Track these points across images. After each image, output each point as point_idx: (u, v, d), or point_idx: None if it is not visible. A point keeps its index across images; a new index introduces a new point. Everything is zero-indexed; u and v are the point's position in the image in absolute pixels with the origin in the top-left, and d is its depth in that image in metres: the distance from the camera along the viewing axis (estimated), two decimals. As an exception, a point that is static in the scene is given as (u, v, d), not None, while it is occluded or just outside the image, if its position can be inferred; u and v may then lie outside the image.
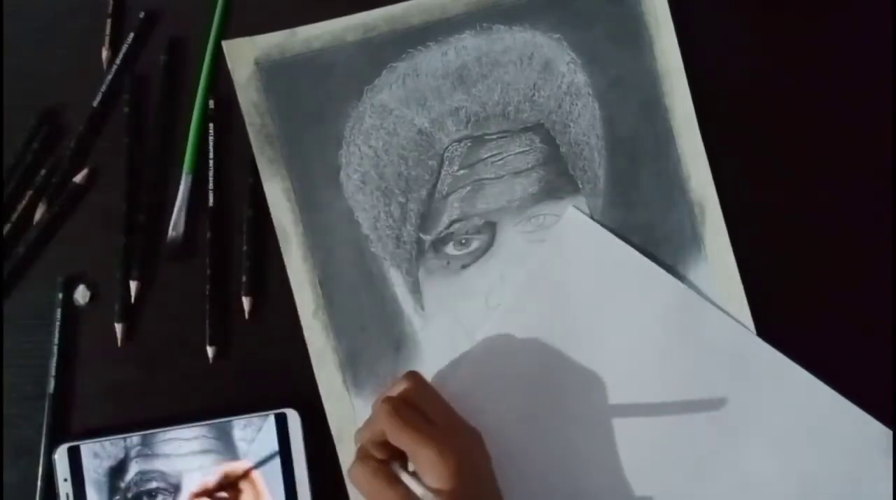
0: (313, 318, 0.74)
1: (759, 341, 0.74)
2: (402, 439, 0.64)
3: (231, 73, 0.75)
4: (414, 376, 0.69)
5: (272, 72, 0.75)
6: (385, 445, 0.66)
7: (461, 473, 0.63)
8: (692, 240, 0.75)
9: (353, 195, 0.75)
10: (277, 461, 0.72)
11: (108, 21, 0.75)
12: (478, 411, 0.70)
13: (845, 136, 0.76)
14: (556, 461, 0.72)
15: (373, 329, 0.74)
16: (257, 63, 0.75)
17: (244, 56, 0.75)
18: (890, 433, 0.73)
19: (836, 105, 0.77)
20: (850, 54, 0.77)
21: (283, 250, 0.74)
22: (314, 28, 0.75)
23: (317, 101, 0.75)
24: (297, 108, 0.75)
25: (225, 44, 0.75)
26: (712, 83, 0.76)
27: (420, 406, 0.66)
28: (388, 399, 0.66)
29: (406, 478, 0.64)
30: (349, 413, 0.73)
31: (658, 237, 0.75)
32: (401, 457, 0.66)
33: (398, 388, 0.68)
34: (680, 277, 0.74)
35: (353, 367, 0.74)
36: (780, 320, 0.74)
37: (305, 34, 0.75)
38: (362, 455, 0.66)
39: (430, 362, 0.74)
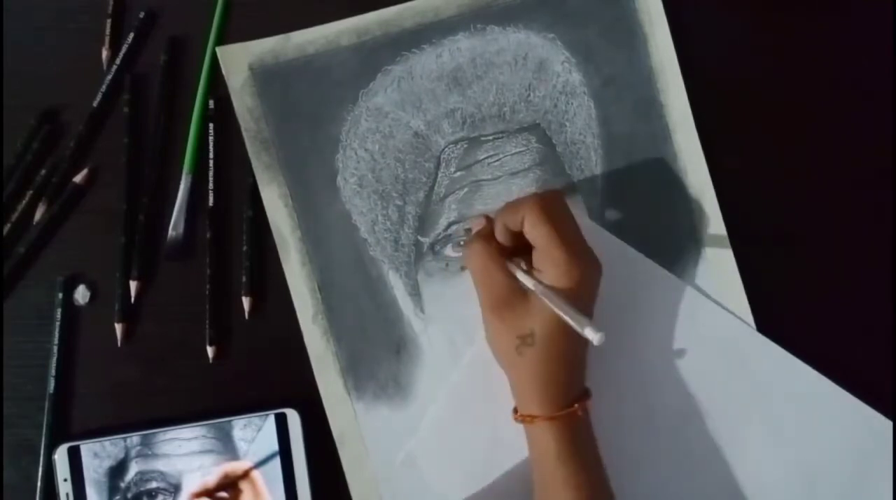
0: (313, 323, 0.74)
1: (759, 335, 0.74)
2: (541, 232, 0.65)
3: (225, 78, 0.75)
4: (558, 192, 0.70)
5: (266, 77, 0.75)
6: (510, 236, 0.68)
7: (580, 286, 0.65)
8: (690, 236, 0.75)
9: (351, 199, 0.75)
10: (277, 461, 0.72)
11: (108, 21, 0.76)
12: (478, 411, 0.70)
13: (843, 131, 0.77)
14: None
15: (373, 333, 0.74)
16: (251, 69, 0.75)
17: (238, 62, 0.76)
18: (890, 423, 0.73)
19: (833, 100, 0.77)
20: (848, 50, 0.78)
21: (281, 255, 0.74)
22: (308, 33, 0.76)
23: (312, 105, 0.75)
24: (293, 112, 0.75)
25: (219, 50, 0.75)
26: (708, 80, 0.76)
27: (558, 216, 0.67)
28: (540, 194, 0.67)
29: (521, 274, 0.66)
30: (351, 417, 0.73)
31: (656, 235, 0.75)
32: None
33: (544, 192, 0.69)
34: (679, 273, 0.75)
35: (354, 371, 0.74)
36: (779, 314, 0.74)
37: (299, 39, 0.76)
38: (486, 234, 0.69)
39: (432, 365, 0.74)
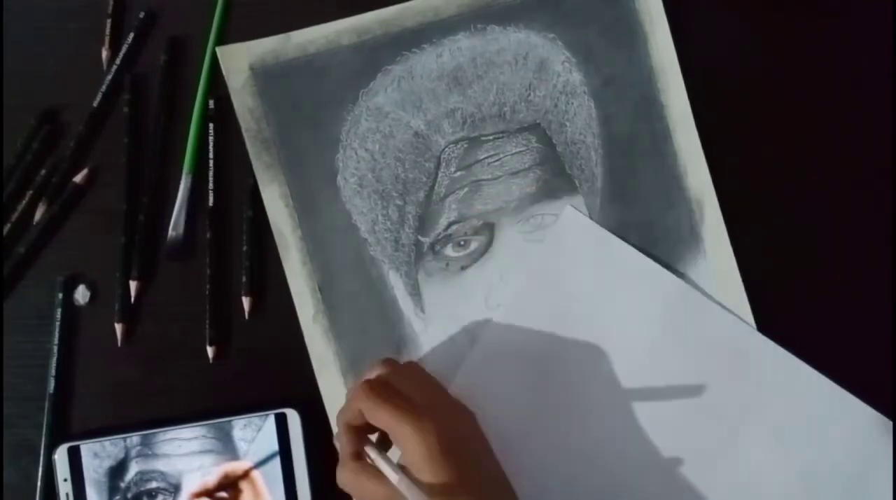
0: (313, 323, 0.74)
1: (759, 335, 0.74)
2: (380, 416, 0.62)
3: (226, 78, 0.75)
4: (389, 361, 0.68)
5: (267, 77, 0.75)
6: (364, 431, 0.65)
7: (446, 450, 0.61)
8: (691, 236, 0.75)
9: (351, 199, 0.75)
10: (277, 461, 0.72)
11: (108, 21, 0.76)
12: (479, 411, 0.70)
13: (844, 131, 0.77)
14: (558, 458, 0.72)
15: (373, 333, 0.74)
16: (252, 69, 0.75)
17: (238, 62, 0.75)
18: (890, 423, 0.73)
19: (834, 100, 0.77)
20: (848, 50, 0.78)
21: (281, 255, 0.74)
22: (308, 32, 0.76)
23: (312, 105, 0.75)
24: (293, 112, 0.75)
25: (219, 50, 0.75)
26: (708, 79, 0.76)
27: (399, 388, 0.64)
28: (366, 381, 0.65)
29: (377, 458, 0.63)
30: (351, 417, 0.73)
31: (656, 235, 0.75)
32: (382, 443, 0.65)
33: (374, 372, 0.67)
34: (679, 273, 0.75)
35: (355, 371, 0.74)
36: (779, 314, 0.74)
37: (299, 39, 0.76)
38: (345, 454, 0.65)
39: (432, 364, 0.73)
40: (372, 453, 0.64)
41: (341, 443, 0.65)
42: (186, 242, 0.75)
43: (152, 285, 0.74)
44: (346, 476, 0.64)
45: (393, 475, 0.61)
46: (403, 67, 0.76)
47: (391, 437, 0.63)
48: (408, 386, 0.65)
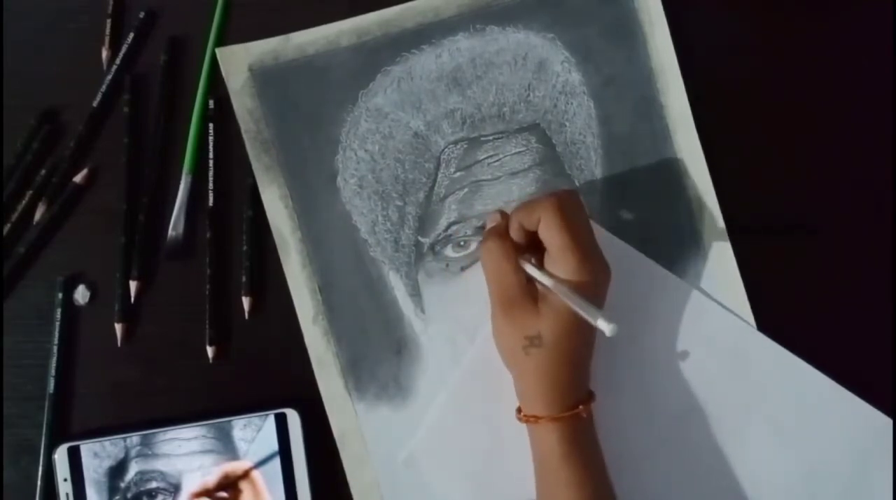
0: (313, 324, 0.74)
1: (760, 334, 0.74)
2: (557, 235, 0.65)
3: (225, 80, 0.75)
4: (574, 193, 0.70)
5: (266, 78, 0.76)
6: (524, 235, 0.68)
7: (588, 292, 0.65)
8: (691, 236, 0.75)
9: (351, 200, 0.75)
10: (277, 461, 0.72)
11: (108, 21, 0.76)
12: (479, 411, 0.70)
13: (844, 131, 0.77)
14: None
15: (373, 334, 0.74)
16: (251, 70, 0.75)
17: (238, 63, 0.76)
18: (890, 421, 0.73)
19: (833, 100, 0.77)
20: (848, 50, 0.78)
21: (281, 256, 0.74)
22: (308, 34, 0.76)
23: (312, 106, 0.75)
24: (293, 113, 0.75)
25: (218, 51, 0.75)
26: (708, 79, 0.76)
27: (573, 220, 0.67)
28: (558, 196, 0.67)
29: (535, 271, 0.66)
30: (352, 418, 0.73)
31: (656, 235, 0.75)
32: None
33: (561, 193, 0.68)
34: (679, 273, 0.75)
35: (355, 372, 0.74)
36: (779, 314, 0.74)
37: (299, 40, 0.76)
38: (501, 231, 0.69)
39: (432, 365, 0.74)
40: (529, 264, 0.67)
41: (500, 225, 0.70)
42: (186, 242, 0.75)
43: (152, 285, 0.74)
44: (495, 251, 0.68)
45: (547, 280, 0.66)
46: (403, 68, 0.76)
47: (550, 258, 0.67)
48: (581, 228, 0.67)
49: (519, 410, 0.68)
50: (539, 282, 0.66)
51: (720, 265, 0.75)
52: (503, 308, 0.67)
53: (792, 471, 0.73)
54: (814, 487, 0.72)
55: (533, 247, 0.68)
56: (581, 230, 0.66)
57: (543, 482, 0.67)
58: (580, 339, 0.66)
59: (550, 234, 0.65)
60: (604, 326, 0.61)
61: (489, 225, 0.72)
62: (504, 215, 0.71)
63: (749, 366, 0.74)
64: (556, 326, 0.65)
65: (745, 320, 0.74)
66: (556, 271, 0.65)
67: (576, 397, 0.67)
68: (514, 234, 0.68)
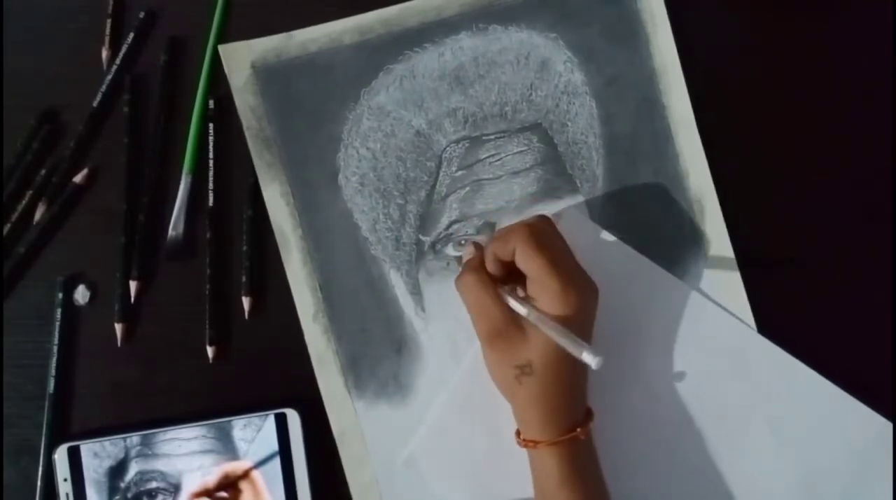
0: (313, 322, 0.74)
1: (760, 337, 0.74)
2: (532, 262, 0.65)
3: (228, 76, 0.75)
4: (547, 219, 0.69)
5: (269, 75, 0.75)
6: (501, 266, 0.68)
7: (577, 313, 0.65)
8: (692, 238, 0.75)
9: (352, 198, 0.75)
10: (277, 461, 0.72)
11: (108, 21, 0.76)
12: (480, 411, 0.70)
13: (844, 132, 0.77)
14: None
15: (374, 332, 0.74)
16: (254, 67, 0.75)
17: (241, 60, 0.75)
18: (890, 425, 0.73)
19: (834, 101, 0.77)
20: (848, 50, 0.78)
21: (282, 254, 0.74)
22: (310, 31, 0.76)
23: (314, 104, 0.75)
24: (295, 111, 0.75)
25: (221, 48, 0.75)
26: (709, 80, 0.76)
27: (549, 244, 0.66)
28: (529, 224, 0.67)
29: (515, 302, 0.66)
30: (351, 416, 0.73)
31: (657, 236, 0.75)
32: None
33: (532, 220, 0.68)
34: (679, 274, 0.74)
35: (355, 370, 0.74)
36: (779, 314, 0.74)
37: (302, 37, 0.76)
38: (476, 265, 0.69)
39: (432, 364, 0.74)
40: (509, 295, 0.67)
41: (475, 258, 0.70)
42: (186, 242, 0.74)
43: (152, 285, 0.74)
44: (472, 284, 0.68)
45: (524, 310, 0.66)
46: (405, 66, 0.76)
47: (533, 284, 0.66)
48: (556, 248, 0.67)
49: (518, 433, 0.68)
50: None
51: (721, 267, 0.75)
52: (490, 340, 0.67)
53: (791, 475, 0.73)
54: (814, 490, 0.72)
55: (514, 275, 0.68)
56: (559, 253, 0.66)
57: None
58: (571, 362, 0.65)
59: (528, 262, 0.65)
60: (589, 359, 0.61)
61: (465, 259, 0.72)
62: (478, 247, 0.71)
63: (749, 369, 0.73)
64: (546, 352, 0.65)
65: (745, 323, 0.74)
66: (540, 296, 0.65)
67: (573, 420, 0.67)
68: (491, 266, 0.68)
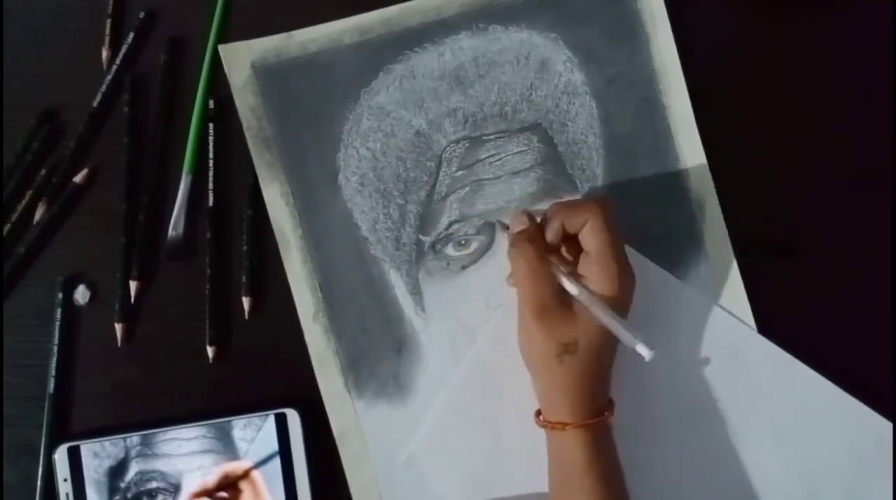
0: (313, 321, 0.74)
1: (760, 337, 0.74)
2: (601, 239, 0.65)
3: (228, 76, 0.75)
4: (613, 204, 0.68)
5: (269, 75, 0.75)
6: (562, 238, 0.68)
7: (622, 298, 0.66)
8: (692, 238, 0.75)
9: (352, 198, 0.75)
10: (277, 461, 0.72)
11: (108, 21, 0.76)
12: (480, 412, 0.70)
13: (844, 132, 0.77)
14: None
15: (374, 332, 0.74)
16: (254, 67, 0.75)
17: (241, 60, 0.75)
18: (890, 425, 0.73)
19: (834, 101, 0.77)
20: (848, 50, 0.78)
21: (282, 253, 0.74)
22: (310, 31, 0.76)
23: (314, 104, 0.75)
24: (295, 111, 0.75)
25: (221, 48, 0.75)
26: (710, 80, 0.76)
27: (615, 226, 0.67)
28: (604, 198, 0.67)
29: (570, 283, 0.65)
30: (351, 416, 0.73)
31: (657, 236, 0.75)
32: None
33: (604, 198, 0.69)
34: (680, 274, 0.74)
35: (355, 370, 0.74)
36: (779, 314, 0.74)
37: (302, 37, 0.76)
38: (532, 236, 0.68)
39: (432, 364, 0.74)
40: (563, 274, 0.66)
41: (531, 228, 0.69)
42: (186, 242, 0.75)
43: (152, 285, 0.74)
44: (527, 254, 0.66)
45: (582, 293, 0.65)
46: (405, 66, 0.76)
47: (590, 261, 0.66)
48: (620, 229, 0.68)
49: (538, 413, 0.68)
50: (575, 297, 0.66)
51: (720, 266, 0.75)
52: (537, 316, 0.66)
53: (792, 474, 0.73)
54: (814, 490, 0.72)
55: (557, 252, 0.68)
56: (621, 239, 0.66)
57: (563, 490, 0.66)
58: (613, 346, 0.66)
59: (597, 239, 0.65)
60: (643, 351, 0.62)
61: (515, 228, 0.70)
62: (532, 218, 0.70)
63: (749, 369, 0.73)
64: (593, 333, 0.65)
65: (745, 323, 0.74)
66: (591, 275, 0.65)
67: (600, 404, 0.67)
68: (552, 236, 0.68)
